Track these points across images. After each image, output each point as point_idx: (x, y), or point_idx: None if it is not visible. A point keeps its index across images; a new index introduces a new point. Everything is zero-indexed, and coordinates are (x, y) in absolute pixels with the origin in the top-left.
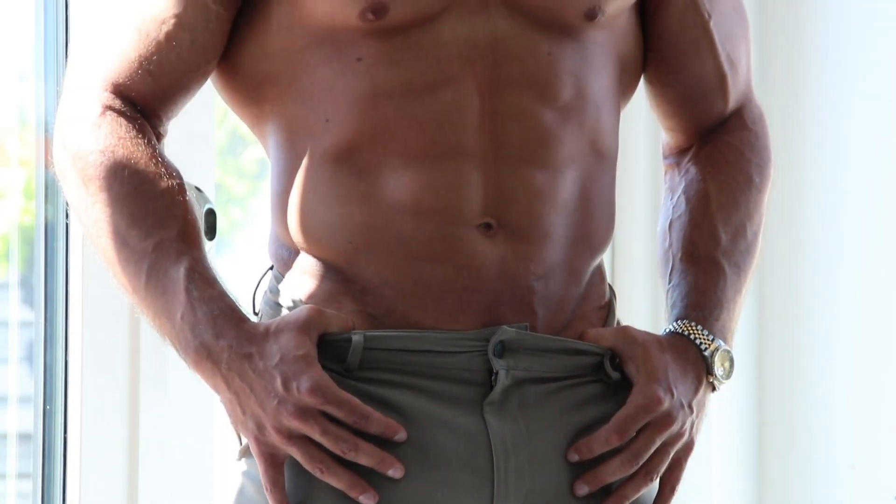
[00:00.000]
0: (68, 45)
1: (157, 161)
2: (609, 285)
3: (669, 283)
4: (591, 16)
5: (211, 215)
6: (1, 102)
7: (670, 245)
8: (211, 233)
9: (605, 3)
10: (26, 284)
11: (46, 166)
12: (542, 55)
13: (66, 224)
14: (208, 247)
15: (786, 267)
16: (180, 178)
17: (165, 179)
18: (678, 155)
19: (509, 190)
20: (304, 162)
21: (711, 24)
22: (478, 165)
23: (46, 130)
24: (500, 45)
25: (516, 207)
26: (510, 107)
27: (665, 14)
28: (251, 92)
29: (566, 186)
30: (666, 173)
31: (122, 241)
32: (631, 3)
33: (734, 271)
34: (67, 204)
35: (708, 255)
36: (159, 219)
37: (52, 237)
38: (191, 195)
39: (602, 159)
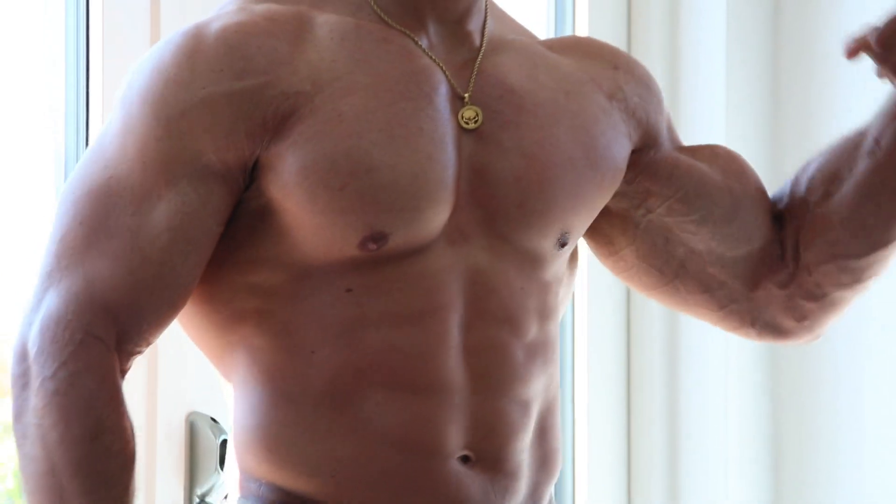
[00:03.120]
0: None
1: (125, 414)
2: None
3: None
4: (562, 243)
5: (226, 446)
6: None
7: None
8: (224, 464)
9: (574, 230)
10: None
11: None
12: (515, 290)
13: None
14: (221, 479)
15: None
16: (135, 440)
17: (128, 440)
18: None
19: (487, 423)
20: (284, 394)
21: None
22: (458, 398)
23: None
24: (480, 276)
25: (494, 441)
26: (487, 340)
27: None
28: (224, 321)
29: (533, 419)
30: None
31: (60, 487)
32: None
33: None
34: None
35: None
36: (106, 480)
37: None
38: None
39: (555, 393)
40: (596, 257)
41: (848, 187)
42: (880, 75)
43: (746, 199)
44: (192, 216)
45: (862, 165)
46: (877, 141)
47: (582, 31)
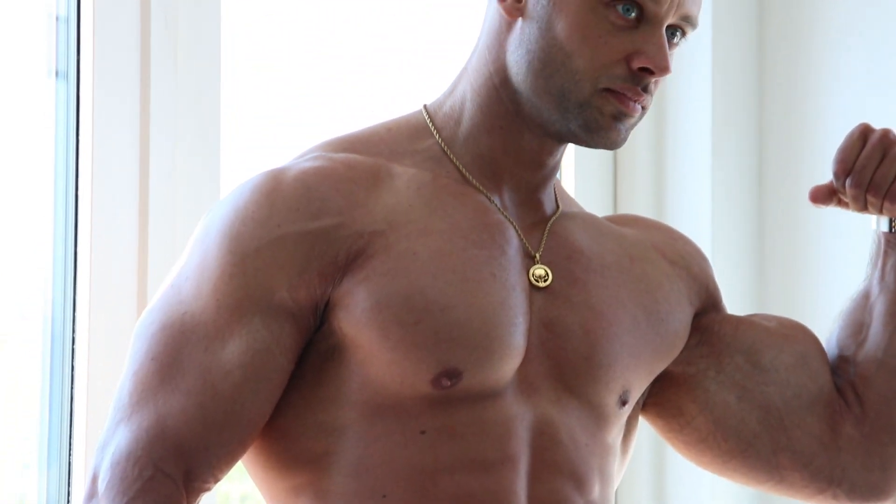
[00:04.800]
0: (72, 435)
1: None
2: None
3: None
4: (623, 400)
5: None
6: (2, 491)
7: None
8: None
9: (634, 390)
10: None
11: None
12: (580, 445)
13: None
14: None
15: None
16: None
17: None
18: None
19: None
20: None
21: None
22: None
23: None
24: (548, 428)
25: None
26: (553, 494)
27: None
28: (292, 461)
29: None
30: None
31: None
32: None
33: None
34: None
35: None
36: None
37: None
38: None
39: None
40: (665, 437)
41: (876, 328)
42: (858, 208)
43: (810, 347)
44: (263, 353)
45: (879, 305)
46: (882, 278)
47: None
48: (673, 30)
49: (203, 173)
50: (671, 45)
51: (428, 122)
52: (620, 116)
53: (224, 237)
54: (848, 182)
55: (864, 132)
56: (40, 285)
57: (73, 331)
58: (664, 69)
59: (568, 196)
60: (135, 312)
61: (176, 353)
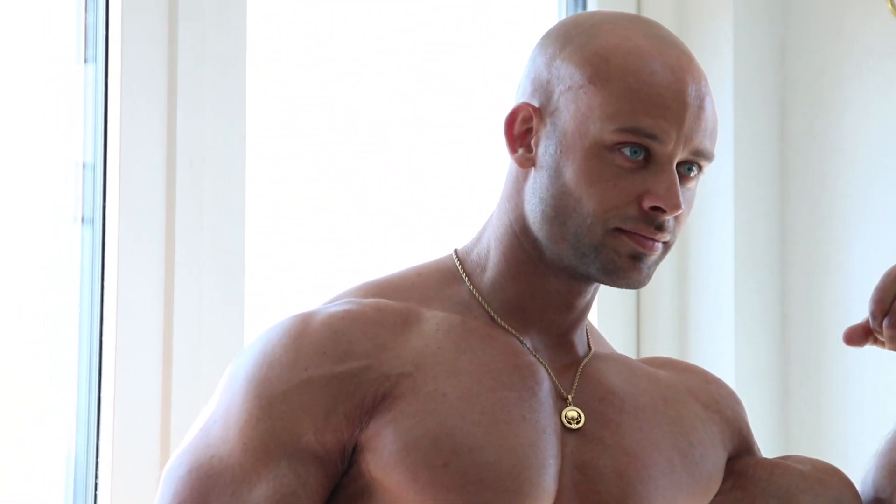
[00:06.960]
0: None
1: None
2: None
3: None
4: None
5: None
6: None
7: None
8: None
9: None
10: None
11: None
12: None
13: None
14: None
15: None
16: None
17: None
18: None
19: None
20: None
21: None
22: None
23: None
24: None
25: None
26: None
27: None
28: None
29: None
30: None
31: None
32: None
33: None
34: None
35: None
36: None
37: None
38: None
39: None
40: None
41: None
42: (895, 348)
43: (845, 492)
44: (290, 498)
45: None
46: None
47: None
48: (688, 165)
49: (227, 318)
50: (687, 179)
51: (458, 267)
52: (639, 256)
53: (251, 381)
54: (886, 322)
55: None
56: (62, 430)
57: (96, 476)
58: (675, 207)
59: (600, 336)
60: (158, 458)
61: (203, 498)
